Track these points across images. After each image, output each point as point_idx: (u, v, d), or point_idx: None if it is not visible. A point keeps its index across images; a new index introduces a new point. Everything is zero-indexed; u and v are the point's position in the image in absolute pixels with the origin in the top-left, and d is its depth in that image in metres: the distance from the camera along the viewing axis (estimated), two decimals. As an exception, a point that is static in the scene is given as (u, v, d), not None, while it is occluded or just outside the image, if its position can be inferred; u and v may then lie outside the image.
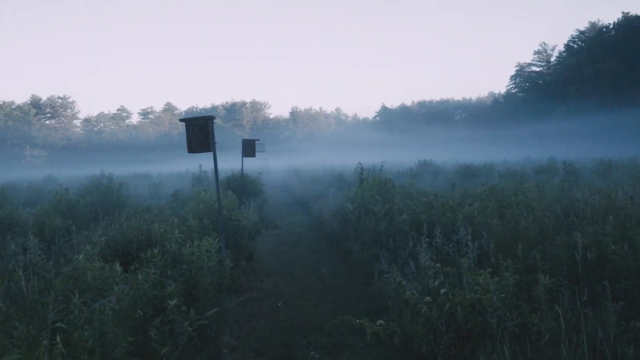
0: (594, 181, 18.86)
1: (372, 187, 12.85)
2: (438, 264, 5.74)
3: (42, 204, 13.39)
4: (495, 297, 4.92)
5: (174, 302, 5.08)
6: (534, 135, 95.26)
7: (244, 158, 18.39)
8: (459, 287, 5.53)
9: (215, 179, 9.12)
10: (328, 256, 12.06)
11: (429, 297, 5.26)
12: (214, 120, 9.06)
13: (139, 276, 5.41)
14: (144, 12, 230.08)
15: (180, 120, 9.09)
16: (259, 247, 13.22)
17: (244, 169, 19.51)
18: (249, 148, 17.71)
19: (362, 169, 14.76)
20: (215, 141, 9.03)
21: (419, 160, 39.13)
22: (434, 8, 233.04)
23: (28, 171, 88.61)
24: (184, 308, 5.54)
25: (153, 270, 5.81)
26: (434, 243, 7.12)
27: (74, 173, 59.32)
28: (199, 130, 8.88)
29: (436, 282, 5.50)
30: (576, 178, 20.59)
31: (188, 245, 6.36)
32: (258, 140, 18.21)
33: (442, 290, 5.29)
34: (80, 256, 5.55)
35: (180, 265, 6.45)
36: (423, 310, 5.16)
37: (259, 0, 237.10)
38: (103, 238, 7.31)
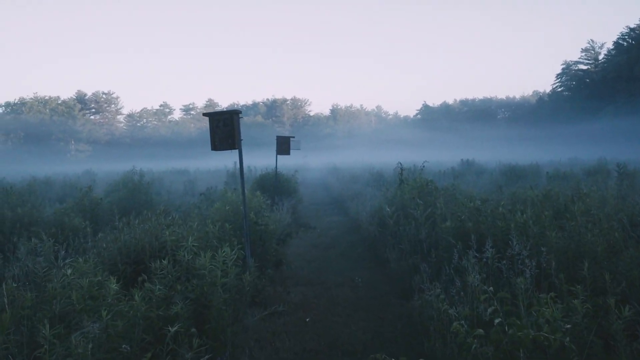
0: (653, 185, 17.42)
1: (412, 188, 11.92)
2: (491, 288, 4.80)
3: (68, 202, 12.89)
4: (567, 338, 3.98)
5: (175, 327, 4.31)
6: (581, 135, 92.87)
7: (278, 156, 17.69)
8: (515, 316, 4.60)
9: (240, 179, 8.36)
10: (363, 263, 11.18)
11: (481, 330, 4.36)
12: (240, 115, 8.30)
13: (136, 295, 4.61)
14: (188, 9, 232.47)
15: (204, 114, 8.37)
16: (290, 251, 12.45)
17: (281, 166, 18.84)
18: (283, 145, 16.97)
19: (401, 169, 13.82)
20: (242, 138, 8.28)
21: (461, 160, 37.81)
22: (478, 5, 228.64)
23: (72, 165, 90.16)
24: (193, 330, 4.79)
25: (158, 287, 5.05)
26: (484, 259, 6.18)
27: (114, 168, 59.83)
28: (224, 126, 8.13)
29: (489, 310, 4.58)
30: (632, 181, 19.24)
31: (203, 256, 5.57)
32: (293, 137, 17.45)
33: (497, 320, 4.38)
34: (69, 271, 4.79)
35: (191, 280, 5.67)
36: (474, 347, 4.27)
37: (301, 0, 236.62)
38: (102, 245, 6.64)
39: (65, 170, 55.00)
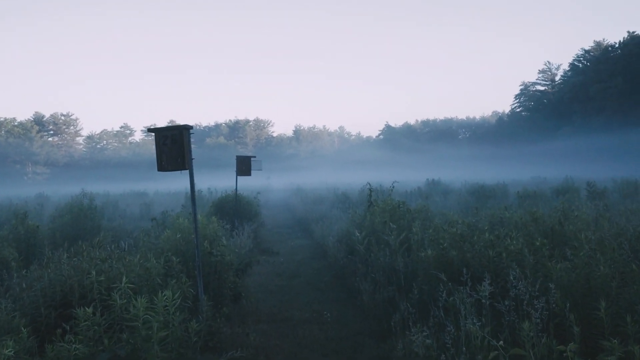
0: (626, 204, 16.90)
1: (383, 211, 11.00)
2: (501, 343, 3.84)
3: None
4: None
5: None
6: (540, 154, 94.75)
7: (239, 177, 16.62)
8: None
9: (192, 204, 7.27)
10: (332, 294, 10.15)
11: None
12: (190, 131, 7.25)
13: (49, 353, 3.50)
14: (147, 28, 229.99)
15: (149, 130, 7.30)
16: (251, 281, 11.34)
17: (243, 188, 17.72)
18: (243, 166, 15.90)
19: (370, 189, 12.90)
20: (193, 157, 7.23)
21: (427, 180, 37.22)
22: (438, 26, 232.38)
23: (28, 188, 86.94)
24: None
25: (75, 346, 3.95)
26: (474, 295, 5.21)
27: (72, 190, 57.67)
28: (172, 144, 7.07)
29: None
30: (602, 200, 18.81)
31: (138, 301, 4.48)
32: (254, 157, 16.39)
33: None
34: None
35: (122, 333, 4.56)
36: None
37: (263, 17, 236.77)
38: (22, 285, 5.48)
39: (20, 194, 52.61)
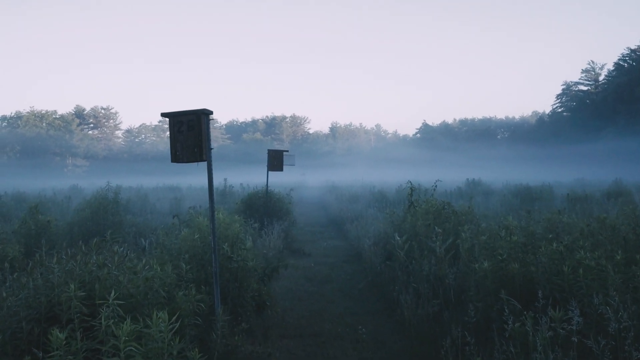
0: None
1: (425, 213, 9.92)
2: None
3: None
4: None
5: None
6: (583, 156, 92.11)
7: (270, 172, 15.70)
8: None
9: (209, 201, 6.32)
10: (367, 305, 9.10)
11: None
12: (210, 117, 6.31)
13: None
14: (186, 24, 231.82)
15: (162, 115, 6.38)
16: (279, 286, 10.37)
17: (277, 184, 16.80)
18: (275, 160, 14.96)
19: (411, 189, 11.79)
20: (212, 147, 6.29)
21: (467, 179, 35.75)
22: (477, 25, 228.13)
23: (68, 180, 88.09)
24: None
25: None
26: (546, 321, 4.11)
27: (111, 183, 57.69)
28: (188, 131, 6.14)
29: None
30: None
31: (125, 325, 3.54)
32: (287, 151, 15.43)
33: None
34: None
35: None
36: None
37: (303, 13, 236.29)
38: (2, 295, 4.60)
39: (57, 185, 52.87)
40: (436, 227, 8.35)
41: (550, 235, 6.87)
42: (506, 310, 4.66)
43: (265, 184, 15.96)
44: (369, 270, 11.43)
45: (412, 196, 11.60)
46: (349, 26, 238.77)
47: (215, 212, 6.89)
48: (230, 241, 7.36)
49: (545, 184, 28.40)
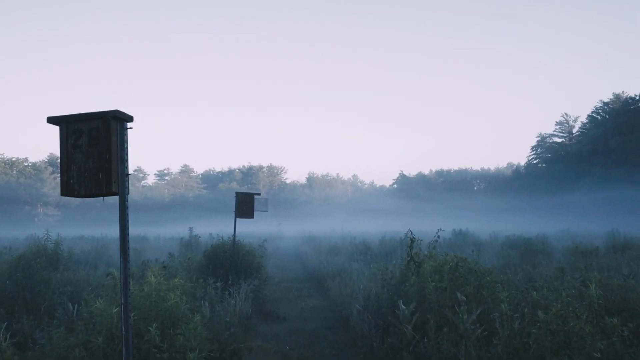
0: None
1: (435, 272, 7.61)
2: None
3: None
4: None
5: None
6: (559, 207, 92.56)
7: (240, 220, 13.33)
8: None
9: (121, 260, 3.97)
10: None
11: None
12: (128, 126, 4.02)
13: None
14: (160, 75, 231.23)
15: (49, 120, 4.07)
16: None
17: (251, 234, 14.43)
18: (245, 205, 12.58)
19: (412, 239, 9.49)
20: (130, 172, 4.01)
21: (454, 230, 33.54)
22: (451, 77, 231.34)
23: (36, 230, 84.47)
24: None
25: None
26: None
27: (84, 232, 54.49)
28: (88, 146, 3.83)
29: None
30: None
31: None
32: (258, 194, 13.11)
33: None
34: None
35: None
36: None
37: (277, 66, 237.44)
38: None
39: (21, 235, 49.69)
40: (458, 293, 6.07)
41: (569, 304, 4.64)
42: None
43: (233, 234, 13.42)
44: (359, 344, 9.01)
45: (413, 249, 9.31)
46: (325, 78, 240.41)
47: (150, 274, 4.56)
48: (164, 320, 4.98)
49: (540, 235, 26.27)
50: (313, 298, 15.73)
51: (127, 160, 3.95)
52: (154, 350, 4.51)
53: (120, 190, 3.88)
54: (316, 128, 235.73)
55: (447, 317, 6.12)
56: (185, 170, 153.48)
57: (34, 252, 11.55)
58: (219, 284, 10.46)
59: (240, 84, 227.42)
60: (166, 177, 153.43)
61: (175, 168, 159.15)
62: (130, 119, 4.03)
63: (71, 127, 3.90)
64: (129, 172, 3.96)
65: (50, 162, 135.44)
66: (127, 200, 3.93)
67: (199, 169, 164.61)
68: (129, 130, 4.03)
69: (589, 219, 69.02)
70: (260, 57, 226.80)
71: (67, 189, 3.89)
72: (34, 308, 9.36)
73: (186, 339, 4.84)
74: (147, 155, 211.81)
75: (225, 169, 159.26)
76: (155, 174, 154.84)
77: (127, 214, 3.93)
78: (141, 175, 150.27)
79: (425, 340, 6.21)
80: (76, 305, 8.34)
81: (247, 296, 11.09)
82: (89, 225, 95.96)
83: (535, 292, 7.15)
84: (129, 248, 3.94)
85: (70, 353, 5.16)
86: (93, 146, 3.84)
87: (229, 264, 13.01)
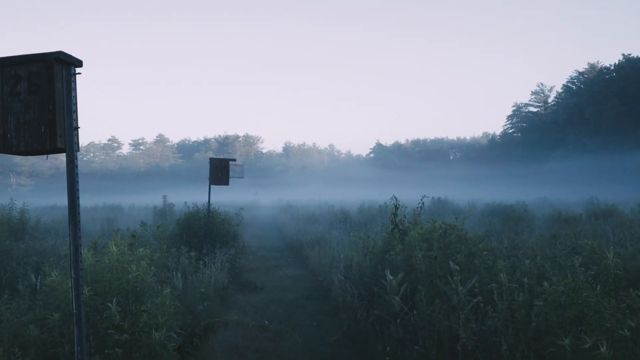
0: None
1: (423, 240, 7.14)
2: None
3: None
4: None
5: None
6: (534, 176, 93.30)
7: (214, 187, 12.73)
8: None
9: (70, 228, 3.38)
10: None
11: None
12: (76, 70, 3.40)
13: None
14: (137, 41, 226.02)
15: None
16: (219, 341, 7.40)
17: (227, 203, 13.81)
18: (220, 172, 11.97)
19: (396, 206, 9.02)
20: (79, 125, 3.38)
21: (432, 198, 33.19)
22: (429, 45, 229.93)
23: (7, 200, 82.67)
24: None
25: None
26: None
27: (58, 202, 53.22)
28: (29, 94, 3.21)
29: None
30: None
31: None
32: (234, 160, 12.49)
33: None
34: None
35: None
36: None
37: (254, 33, 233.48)
38: None
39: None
40: (451, 262, 5.61)
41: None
42: None
43: (207, 201, 12.79)
44: (342, 315, 8.58)
45: (397, 216, 8.84)
46: (302, 46, 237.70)
47: (112, 243, 4.00)
48: (128, 294, 4.42)
49: (519, 202, 26.04)
50: (291, 267, 15.29)
51: (75, 112, 3.34)
52: (110, 331, 3.95)
53: (67, 146, 3.28)
54: (292, 97, 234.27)
55: (439, 288, 5.68)
56: (161, 140, 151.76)
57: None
58: (192, 254, 9.90)
59: (216, 52, 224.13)
60: (141, 147, 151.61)
61: (150, 138, 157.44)
62: (78, 63, 3.41)
63: (7, 71, 3.27)
64: (78, 126, 3.36)
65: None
66: (77, 158, 3.33)
67: (175, 138, 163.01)
68: (77, 76, 3.42)
69: (565, 188, 69.66)
70: (237, 26, 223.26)
71: (4, 145, 3.27)
72: (-6, 280, 8.73)
73: (152, 315, 4.29)
74: (121, 125, 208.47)
75: (201, 138, 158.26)
76: (130, 144, 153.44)
77: (77, 174, 3.33)
78: (116, 144, 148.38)
79: (414, 312, 5.77)
80: (39, 277, 7.79)
81: (222, 266, 10.56)
82: (62, 194, 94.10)
83: (527, 261, 6.74)
84: (79, 213, 3.35)
85: (25, 330, 4.62)
86: (34, 94, 3.22)
87: (203, 232, 12.43)
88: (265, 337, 7.91)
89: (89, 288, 4.24)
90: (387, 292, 6.17)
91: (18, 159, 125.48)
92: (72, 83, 3.35)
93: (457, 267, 5.51)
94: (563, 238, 8.63)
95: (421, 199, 10.07)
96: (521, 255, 7.88)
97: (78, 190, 3.35)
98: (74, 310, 3.22)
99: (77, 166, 3.34)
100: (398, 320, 6.04)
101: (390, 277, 6.13)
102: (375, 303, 7.21)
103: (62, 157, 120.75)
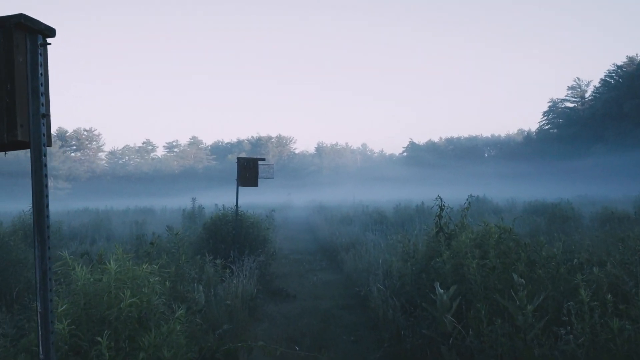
0: None
1: (475, 247, 6.25)
2: None
3: None
4: None
5: None
6: (572, 172, 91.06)
7: (242, 188, 11.97)
8: None
9: (35, 237, 2.65)
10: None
11: None
12: (48, 40, 2.65)
13: None
14: (171, 44, 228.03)
15: None
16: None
17: (259, 204, 13.18)
18: (248, 172, 11.19)
19: (441, 207, 8.15)
20: (46, 113, 2.67)
21: (470, 196, 31.95)
22: (461, 46, 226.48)
23: (50, 203, 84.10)
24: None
25: None
26: None
27: (93, 205, 53.54)
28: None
29: None
30: None
31: None
32: (263, 159, 11.70)
33: None
34: None
35: None
36: None
37: (288, 32, 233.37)
38: None
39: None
40: (514, 275, 4.72)
41: None
42: None
43: (235, 204, 11.98)
44: (382, 329, 7.72)
45: (441, 218, 7.96)
46: (334, 46, 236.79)
47: (112, 256, 3.26)
48: (124, 324, 3.63)
49: (563, 200, 24.74)
50: (325, 272, 14.49)
51: (43, 94, 2.58)
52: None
53: (32, 139, 2.51)
54: (325, 97, 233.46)
55: (498, 304, 4.80)
56: (194, 142, 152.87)
57: (17, 227, 10.28)
58: (218, 261, 9.16)
59: (248, 55, 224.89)
60: (175, 149, 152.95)
61: (184, 140, 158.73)
62: (50, 31, 2.65)
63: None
64: (48, 112, 2.60)
65: (58, 136, 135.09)
66: (46, 154, 2.57)
67: (208, 140, 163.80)
68: (47, 47, 2.66)
69: (605, 184, 67.54)
70: (272, 27, 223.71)
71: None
72: (6, 293, 8.12)
73: (155, 348, 3.48)
74: (155, 128, 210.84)
75: (234, 140, 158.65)
76: (164, 146, 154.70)
77: (46, 174, 2.57)
78: (150, 147, 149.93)
79: (470, 332, 4.90)
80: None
81: (251, 273, 9.80)
82: (98, 197, 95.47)
83: (596, 268, 5.76)
84: (48, 227, 2.58)
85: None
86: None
87: (230, 237, 11.67)
88: (298, 353, 7.11)
89: (69, 321, 3.43)
90: (437, 308, 5.30)
91: (55, 162, 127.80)
92: (39, 56, 2.58)
93: (522, 280, 4.63)
94: (632, 240, 7.58)
95: (467, 199, 9.11)
96: (584, 260, 6.90)
97: (47, 196, 2.60)
98: (41, 356, 2.46)
99: (45, 165, 2.58)
100: (450, 342, 5.17)
101: (441, 290, 5.26)
102: (419, 317, 6.35)
103: (98, 162, 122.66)
